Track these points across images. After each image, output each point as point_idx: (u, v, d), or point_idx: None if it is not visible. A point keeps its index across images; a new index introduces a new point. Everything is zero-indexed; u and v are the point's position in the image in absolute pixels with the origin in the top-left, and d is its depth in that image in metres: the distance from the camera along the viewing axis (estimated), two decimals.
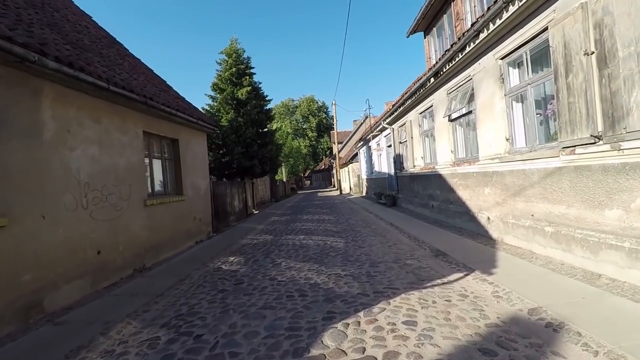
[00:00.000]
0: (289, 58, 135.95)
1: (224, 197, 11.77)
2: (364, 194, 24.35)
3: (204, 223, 9.38)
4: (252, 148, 15.58)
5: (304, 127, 65.62)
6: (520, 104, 5.73)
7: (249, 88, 15.78)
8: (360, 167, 26.69)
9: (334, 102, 31.72)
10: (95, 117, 5.47)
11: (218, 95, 15.97)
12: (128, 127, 6.33)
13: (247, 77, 16.29)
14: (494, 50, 6.00)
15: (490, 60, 6.16)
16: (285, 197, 31.78)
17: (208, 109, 15.95)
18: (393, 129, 13.99)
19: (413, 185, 11.67)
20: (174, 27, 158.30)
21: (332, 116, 33.30)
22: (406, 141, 12.17)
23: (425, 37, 11.29)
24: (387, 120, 14.03)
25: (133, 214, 6.23)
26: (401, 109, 11.76)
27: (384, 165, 17.06)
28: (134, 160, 6.38)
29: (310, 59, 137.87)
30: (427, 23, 10.67)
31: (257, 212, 17.34)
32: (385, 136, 16.08)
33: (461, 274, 4.62)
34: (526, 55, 5.26)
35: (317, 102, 66.88)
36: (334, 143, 34.74)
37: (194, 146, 9.18)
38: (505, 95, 5.85)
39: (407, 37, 11.73)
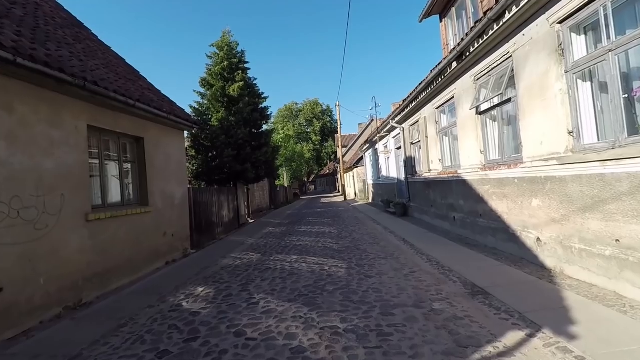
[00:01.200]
0: (291, 61, 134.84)
1: (208, 207, 10.22)
2: (370, 200, 22.69)
3: (178, 238, 7.83)
4: (244, 150, 13.97)
5: (308, 130, 64.03)
6: (588, 83, 4.13)
7: (241, 84, 14.18)
8: (366, 171, 25.05)
9: (337, 104, 30.18)
10: (3, 104, 3.99)
11: (207, 92, 14.45)
12: (63, 119, 4.84)
13: (241, 72, 14.71)
14: (547, 13, 4.41)
15: (541, 27, 4.58)
16: (286, 203, 30.17)
17: (197, 106, 14.39)
18: (403, 128, 12.39)
19: (428, 193, 10.03)
20: (172, 29, 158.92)
21: (337, 120, 31.80)
22: (419, 141, 10.55)
23: (441, 21, 9.73)
24: (397, 119, 12.45)
25: (66, 233, 4.72)
26: (413, 104, 10.17)
27: (392, 169, 15.42)
28: (70, 163, 4.88)
29: (313, 62, 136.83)
30: (444, 3, 9.12)
31: (252, 221, 15.78)
32: (394, 137, 14.47)
33: (522, 334, 3.01)
34: (604, 10, 3.67)
35: (321, 106, 65.28)
36: (338, 147, 33.15)
37: (167, 147, 7.66)
38: (565, 73, 4.25)
39: (420, 21, 10.16)
